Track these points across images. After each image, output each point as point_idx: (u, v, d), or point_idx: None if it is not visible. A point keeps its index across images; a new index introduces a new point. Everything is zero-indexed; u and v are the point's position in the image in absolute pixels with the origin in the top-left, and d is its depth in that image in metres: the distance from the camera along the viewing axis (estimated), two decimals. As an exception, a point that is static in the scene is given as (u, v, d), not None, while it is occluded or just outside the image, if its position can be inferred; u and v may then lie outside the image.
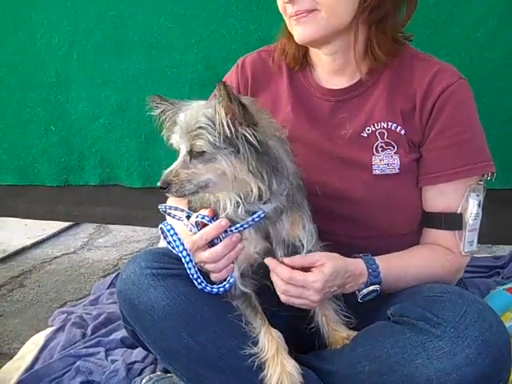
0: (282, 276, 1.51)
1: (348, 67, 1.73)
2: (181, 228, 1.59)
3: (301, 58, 1.80)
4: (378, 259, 1.60)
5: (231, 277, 1.55)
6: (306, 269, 1.52)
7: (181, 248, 1.54)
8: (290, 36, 1.73)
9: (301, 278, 1.50)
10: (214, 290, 1.55)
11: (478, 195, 1.65)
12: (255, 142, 1.39)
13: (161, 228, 1.60)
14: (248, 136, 1.38)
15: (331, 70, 1.75)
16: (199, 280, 1.54)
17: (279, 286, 1.52)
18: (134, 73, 2.79)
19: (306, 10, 1.58)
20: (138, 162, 2.86)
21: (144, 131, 2.81)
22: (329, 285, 1.51)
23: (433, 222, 1.68)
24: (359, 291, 1.58)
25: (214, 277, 1.56)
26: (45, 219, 3.32)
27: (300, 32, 1.63)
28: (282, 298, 1.54)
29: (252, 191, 1.45)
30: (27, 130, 2.99)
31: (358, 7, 1.61)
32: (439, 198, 1.67)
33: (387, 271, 1.59)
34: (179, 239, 1.55)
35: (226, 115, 1.37)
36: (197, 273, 1.54)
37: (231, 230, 1.52)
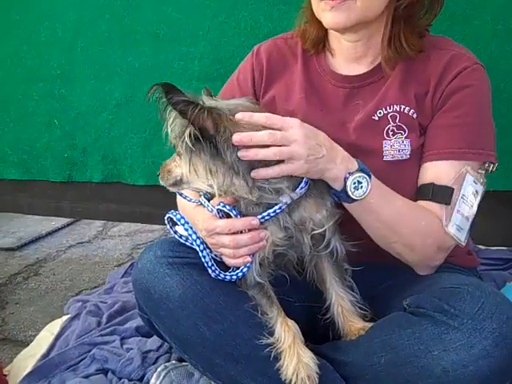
0: (260, 121, 1.40)
1: (368, 55, 1.73)
2: (200, 210, 1.60)
3: (318, 43, 1.79)
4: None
5: (245, 266, 1.54)
6: None
7: (194, 236, 1.56)
8: (313, 21, 1.72)
9: (278, 117, 1.41)
10: (227, 277, 1.56)
11: (475, 182, 1.61)
12: (202, 144, 1.36)
13: (168, 217, 1.61)
14: (187, 139, 1.36)
15: (350, 57, 1.75)
16: (213, 267, 1.55)
17: (262, 136, 1.38)
18: (139, 65, 2.73)
19: None
20: (141, 158, 2.81)
21: (148, 127, 2.76)
22: (312, 136, 1.43)
23: (422, 193, 1.63)
24: (349, 175, 1.48)
25: (228, 262, 1.55)
26: (49, 215, 3.29)
27: (332, 18, 1.61)
28: (273, 151, 1.39)
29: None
30: (31, 124, 2.95)
31: (390, 2, 1.62)
32: (432, 170, 1.63)
33: (376, 182, 1.53)
34: (191, 227, 1.57)
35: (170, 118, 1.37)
36: (211, 260, 1.55)
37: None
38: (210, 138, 1.36)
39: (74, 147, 2.92)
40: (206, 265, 1.55)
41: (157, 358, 1.98)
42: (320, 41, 1.79)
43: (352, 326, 1.60)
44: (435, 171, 1.63)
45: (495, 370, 1.34)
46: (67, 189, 3.01)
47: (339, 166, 1.49)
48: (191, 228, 1.58)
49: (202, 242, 1.56)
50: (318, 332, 1.67)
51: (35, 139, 2.96)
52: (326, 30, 1.76)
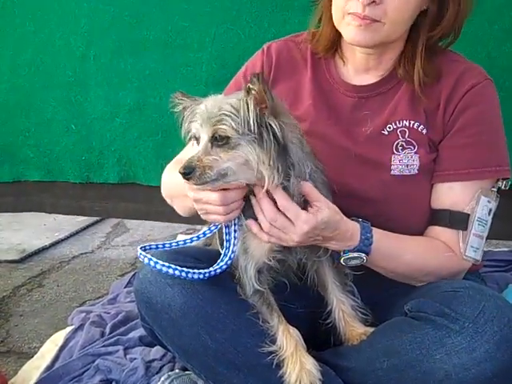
0: (279, 201, 1.45)
1: (378, 68, 1.72)
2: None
3: (332, 47, 1.77)
4: (377, 232, 1.57)
5: (230, 258, 1.53)
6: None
7: (159, 266, 1.53)
8: (329, 24, 1.70)
9: (295, 210, 1.45)
10: (211, 272, 1.53)
11: (489, 201, 1.63)
12: (280, 135, 1.38)
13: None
14: (274, 127, 1.37)
15: (362, 68, 1.73)
16: (195, 276, 1.52)
17: (270, 213, 1.46)
18: (150, 72, 2.84)
19: (373, 19, 1.55)
20: (155, 160, 2.91)
21: (161, 130, 2.85)
22: (315, 232, 1.47)
23: (438, 219, 1.65)
24: (344, 252, 1.55)
25: (210, 219, 1.54)
26: (70, 214, 3.46)
27: (356, 36, 1.59)
28: (265, 226, 1.48)
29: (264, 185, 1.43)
30: (51, 128, 3.07)
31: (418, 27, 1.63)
32: (448, 194, 1.64)
33: (381, 246, 1.56)
34: (154, 261, 1.54)
35: (258, 104, 1.37)
36: (184, 271, 1.52)
37: None
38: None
39: (91, 150, 3.04)
40: (189, 277, 1.52)
41: (160, 368, 1.98)
42: (333, 45, 1.77)
43: (353, 331, 1.61)
44: (451, 195, 1.64)
45: (497, 373, 1.35)
46: (86, 189, 3.14)
47: (333, 245, 1.55)
48: (153, 261, 1.54)
49: (169, 267, 1.52)
50: (320, 337, 1.68)
51: (55, 143, 3.08)
52: (341, 35, 1.71)
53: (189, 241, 1.60)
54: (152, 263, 1.53)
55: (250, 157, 1.39)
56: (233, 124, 1.37)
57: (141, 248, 1.58)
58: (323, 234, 1.49)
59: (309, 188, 1.47)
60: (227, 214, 1.50)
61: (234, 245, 1.54)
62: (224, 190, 1.45)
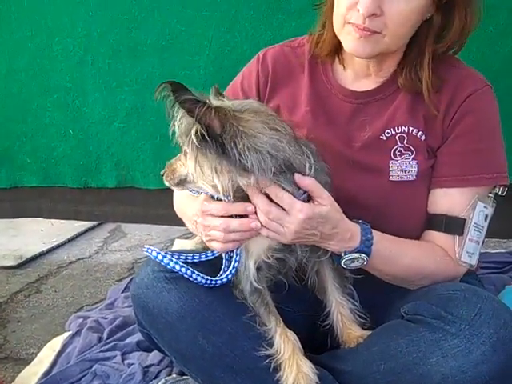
0: (271, 193, 1.43)
1: (379, 73, 1.70)
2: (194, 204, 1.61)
3: (334, 51, 1.74)
4: (376, 234, 1.55)
5: (233, 267, 1.54)
6: None
7: (166, 260, 1.55)
8: (332, 33, 1.66)
9: (289, 200, 1.43)
10: (218, 281, 1.54)
11: (485, 207, 1.62)
12: (209, 143, 1.34)
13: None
14: (193, 137, 1.34)
15: (362, 73, 1.71)
16: (200, 276, 1.54)
17: (263, 206, 1.44)
18: (147, 76, 2.83)
19: (373, 30, 1.53)
20: (153, 163, 2.90)
21: (159, 133, 2.84)
22: (312, 224, 1.45)
23: (434, 223, 1.65)
24: (345, 254, 1.53)
25: (216, 247, 1.54)
26: (68, 219, 3.43)
27: (356, 47, 1.57)
28: (262, 220, 1.46)
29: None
30: (48, 134, 3.05)
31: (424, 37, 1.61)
32: (444, 200, 1.64)
33: (381, 248, 1.55)
34: (162, 255, 1.55)
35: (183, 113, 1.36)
36: (194, 272, 1.54)
37: None
38: (217, 136, 1.34)
39: (89, 155, 3.02)
40: (192, 277, 1.54)
41: (158, 373, 1.98)
42: (336, 50, 1.74)
43: (351, 334, 1.60)
44: (448, 200, 1.63)
45: (494, 375, 1.35)
46: (84, 194, 3.12)
47: (333, 246, 1.52)
48: (163, 255, 1.56)
49: (177, 262, 1.54)
50: (317, 340, 1.68)
51: (52, 148, 3.06)
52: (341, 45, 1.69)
53: (197, 258, 1.60)
54: (160, 257, 1.55)
55: (189, 164, 1.42)
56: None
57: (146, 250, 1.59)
58: (321, 229, 1.47)
59: (312, 184, 1.45)
60: (226, 243, 1.50)
61: (237, 254, 1.53)
62: (230, 217, 1.48)
